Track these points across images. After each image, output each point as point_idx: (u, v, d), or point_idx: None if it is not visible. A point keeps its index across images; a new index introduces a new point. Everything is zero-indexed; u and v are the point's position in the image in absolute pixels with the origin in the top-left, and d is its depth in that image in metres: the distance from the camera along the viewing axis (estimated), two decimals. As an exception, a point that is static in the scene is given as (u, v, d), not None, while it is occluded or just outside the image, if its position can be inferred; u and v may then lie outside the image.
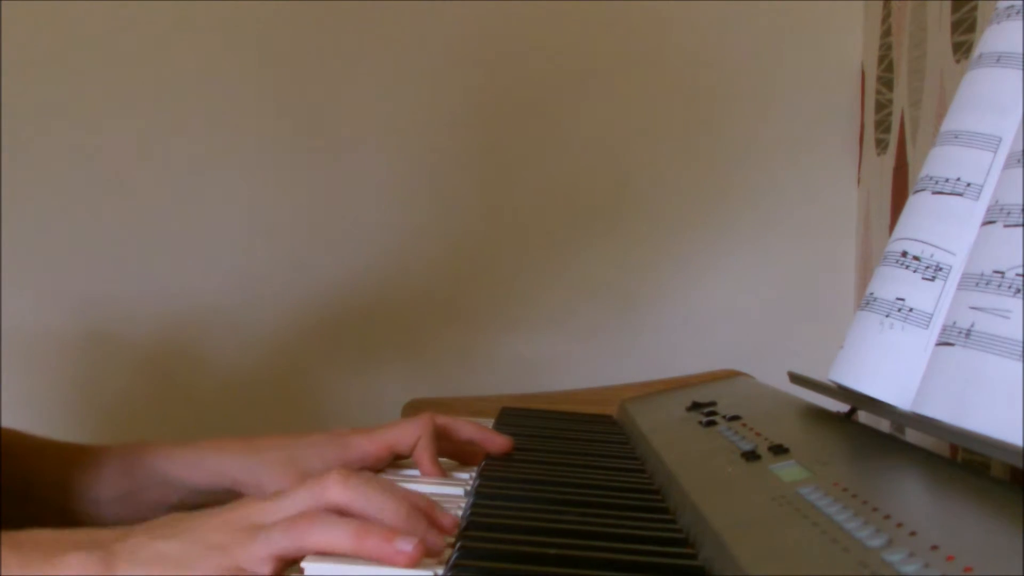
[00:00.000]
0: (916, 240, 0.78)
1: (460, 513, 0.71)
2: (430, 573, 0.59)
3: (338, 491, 0.63)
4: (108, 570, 0.61)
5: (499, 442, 0.94)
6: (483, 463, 0.89)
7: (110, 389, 1.55)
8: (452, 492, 0.82)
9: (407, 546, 0.59)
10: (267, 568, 0.60)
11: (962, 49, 1.17)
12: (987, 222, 0.69)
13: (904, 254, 0.79)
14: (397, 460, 0.93)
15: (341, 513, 0.63)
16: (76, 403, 1.54)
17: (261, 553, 0.61)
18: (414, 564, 0.59)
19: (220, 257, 1.56)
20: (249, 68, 1.57)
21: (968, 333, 0.65)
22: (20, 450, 0.94)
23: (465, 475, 0.89)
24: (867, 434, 0.80)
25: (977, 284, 0.67)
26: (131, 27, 1.55)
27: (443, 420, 0.94)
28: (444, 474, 0.89)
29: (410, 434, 0.91)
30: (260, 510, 0.64)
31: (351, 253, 1.57)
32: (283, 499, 0.65)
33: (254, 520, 0.63)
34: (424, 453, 0.90)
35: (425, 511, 0.65)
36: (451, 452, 0.95)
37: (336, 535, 0.60)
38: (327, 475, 0.65)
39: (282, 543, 0.60)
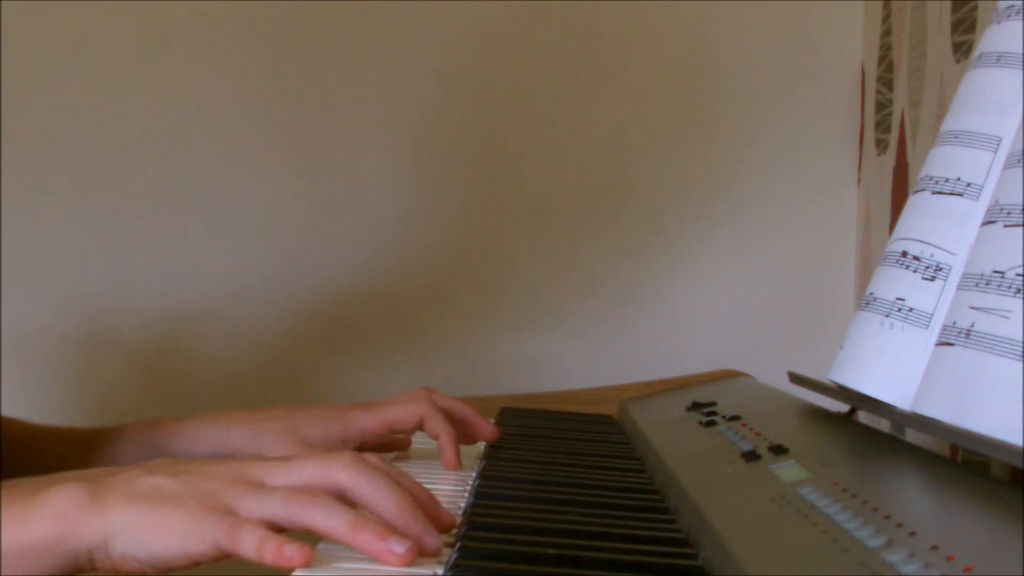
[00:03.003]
0: (916, 240, 0.78)
1: (460, 513, 0.71)
2: (430, 573, 0.59)
3: (345, 474, 0.63)
4: (96, 500, 0.60)
5: (488, 429, 0.97)
6: (483, 463, 0.89)
7: (109, 389, 1.55)
8: (452, 492, 0.82)
9: (399, 548, 0.59)
10: (258, 529, 0.58)
11: (962, 49, 1.17)
12: (987, 222, 0.69)
13: (904, 254, 0.79)
14: (394, 434, 0.95)
15: (342, 497, 0.62)
16: (75, 403, 1.54)
17: (256, 511, 0.60)
18: (403, 566, 0.59)
19: (219, 257, 1.56)
20: (247, 67, 1.57)
21: (968, 333, 0.65)
22: (22, 436, 0.94)
23: (465, 475, 0.89)
24: (867, 434, 0.80)
25: (977, 284, 0.67)
26: (130, 27, 1.55)
27: (438, 398, 0.96)
28: (459, 457, 0.91)
29: (411, 412, 0.93)
30: (264, 469, 0.63)
31: (350, 252, 1.57)
32: (290, 465, 0.64)
33: (257, 476, 0.63)
34: (445, 436, 0.92)
35: (426, 505, 0.65)
36: None
37: (333, 520, 0.59)
38: (338, 455, 0.64)
39: (279, 511, 0.60)
